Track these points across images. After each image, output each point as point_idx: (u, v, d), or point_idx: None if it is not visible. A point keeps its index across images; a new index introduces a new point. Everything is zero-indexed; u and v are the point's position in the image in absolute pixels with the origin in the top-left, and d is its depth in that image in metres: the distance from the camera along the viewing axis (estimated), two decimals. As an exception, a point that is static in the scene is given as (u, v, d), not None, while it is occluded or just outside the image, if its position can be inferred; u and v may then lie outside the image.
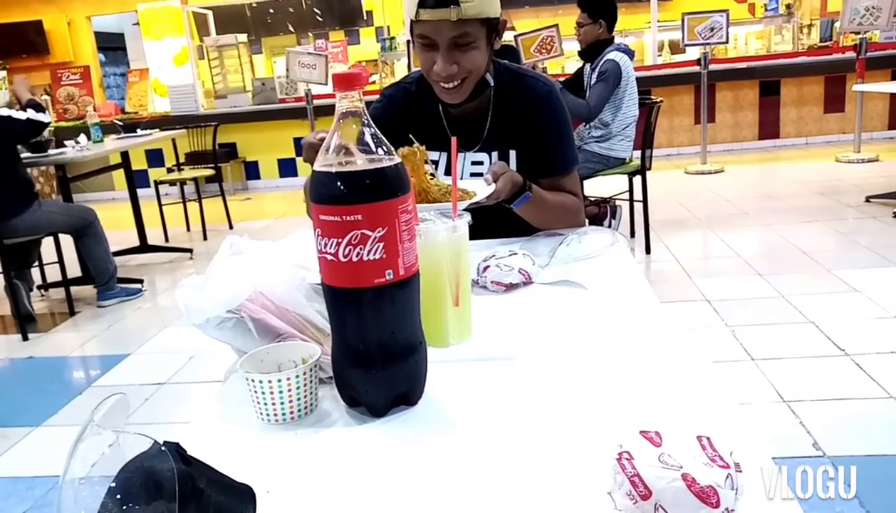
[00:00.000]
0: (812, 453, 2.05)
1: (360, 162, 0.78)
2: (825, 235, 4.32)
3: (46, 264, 4.51)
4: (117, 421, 0.59)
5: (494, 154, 1.60)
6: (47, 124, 3.94)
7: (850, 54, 6.85)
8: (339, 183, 0.77)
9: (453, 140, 1.13)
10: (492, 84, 1.55)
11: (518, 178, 1.46)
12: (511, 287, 1.23)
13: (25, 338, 3.76)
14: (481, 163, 1.61)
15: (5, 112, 3.73)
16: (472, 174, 1.60)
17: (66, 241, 4.13)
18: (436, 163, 1.62)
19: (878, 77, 6.80)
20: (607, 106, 4.10)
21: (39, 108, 3.88)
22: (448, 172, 1.60)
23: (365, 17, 9.85)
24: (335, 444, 0.80)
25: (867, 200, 4.92)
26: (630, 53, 4.23)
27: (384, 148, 0.79)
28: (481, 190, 1.39)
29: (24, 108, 3.82)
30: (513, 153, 1.60)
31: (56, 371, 3.43)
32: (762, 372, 2.57)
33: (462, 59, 1.42)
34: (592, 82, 4.16)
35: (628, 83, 4.10)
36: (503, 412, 0.83)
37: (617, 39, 4.29)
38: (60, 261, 4.11)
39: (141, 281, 4.48)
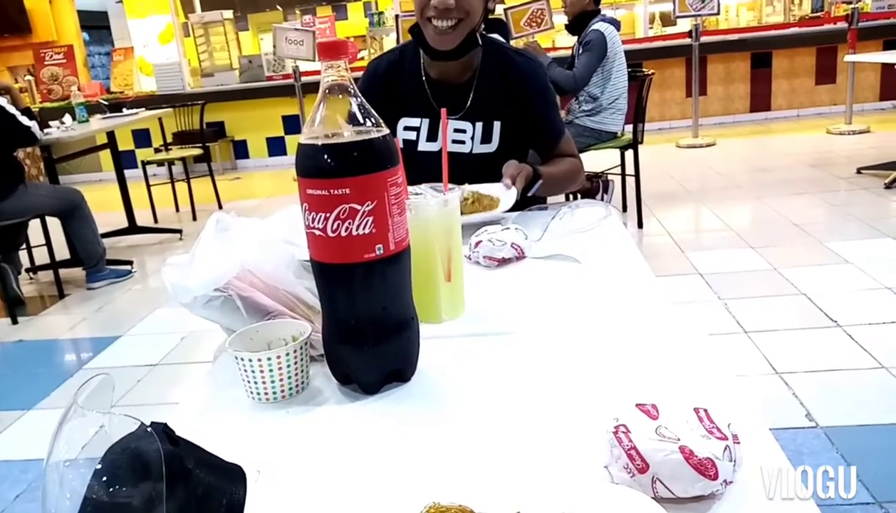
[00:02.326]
0: (805, 424, 2.06)
1: (347, 134, 0.76)
2: (817, 207, 4.32)
3: (34, 247, 4.47)
4: (102, 402, 0.58)
5: (479, 124, 1.60)
6: (38, 141, 3.95)
7: (842, 25, 6.80)
8: (325, 155, 0.75)
9: (443, 112, 1.12)
10: (480, 44, 1.57)
11: (528, 169, 1.51)
12: (504, 262, 1.22)
13: (15, 321, 3.73)
14: (464, 131, 1.61)
15: (12, 110, 3.69)
16: (455, 141, 1.61)
17: (54, 222, 4.08)
18: (417, 129, 1.63)
19: (869, 47, 6.75)
20: (596, 79, 4.06)
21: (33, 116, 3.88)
22: (430, 139, 1.63)
23: (353, -8, 9.69)
24: (327, 422, 0.79)
25: (858, 171, 4.92)
26: (616, 24, 4.18)
27: (372, 119, 0.77)
28: (503, 196, 1.44)
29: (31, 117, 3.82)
30: (497, 124, 1.61)
31: (46, 354, 3.41)
32: (755, 344, 2.57)
33: None
34: (579, 54, 4.12)
35: (615, 54, 4.06)
36: (497, 388, 0.82)
37: (608, 12, 4.24)
38: (48, 243, 4.07)
39: (130, 262, 4.44)
